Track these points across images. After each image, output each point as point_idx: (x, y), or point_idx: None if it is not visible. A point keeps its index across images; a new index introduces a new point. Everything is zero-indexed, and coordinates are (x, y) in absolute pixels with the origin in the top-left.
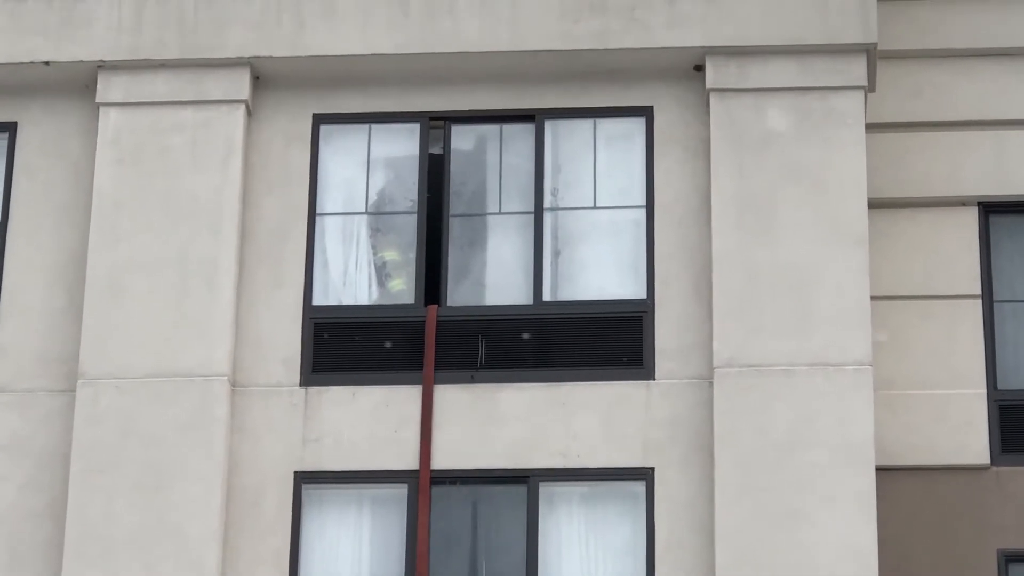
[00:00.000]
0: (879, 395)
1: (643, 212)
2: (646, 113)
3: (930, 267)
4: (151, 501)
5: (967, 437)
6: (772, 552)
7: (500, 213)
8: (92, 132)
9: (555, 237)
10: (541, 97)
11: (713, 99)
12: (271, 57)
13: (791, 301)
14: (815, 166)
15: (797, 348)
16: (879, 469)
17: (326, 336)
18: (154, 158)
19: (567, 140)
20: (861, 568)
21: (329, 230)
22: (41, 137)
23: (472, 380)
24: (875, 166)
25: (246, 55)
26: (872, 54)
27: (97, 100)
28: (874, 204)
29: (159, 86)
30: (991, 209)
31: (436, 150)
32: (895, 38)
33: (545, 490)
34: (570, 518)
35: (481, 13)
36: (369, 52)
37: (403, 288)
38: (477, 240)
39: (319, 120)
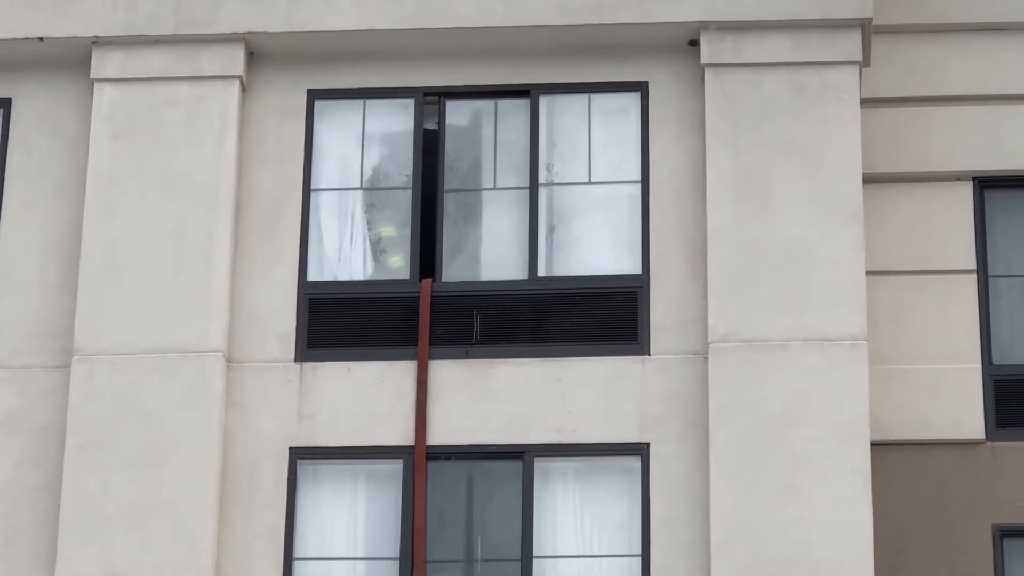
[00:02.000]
0: (874, 370)
1: (638, 187)
2: (641, 88)
3: (925, 242)
4: (146, 477)
5: (962, 412)
6: (767, 528)
7: (495, 188)
8: (87, 108)
9: (550, 212)
10: (536, 72)
11: (708, 74)
12: (266, 33)
13: (786, 276)
14: (810, 141)
15: (792, 323)
16: (874, 444)
17: (321, 311)
18: (149, 134)
19: (562, 115)
20: (856, 544)
21: (324, 205)
22: (36, 113)
23: (467, 355)
24: (870, 141)
25: (241, 31)
26: (867, 29)
27: (92, 76)
28: (869, 179)
29: (154, 62)
30: (986, 184)
31: (431, 125)
32: (890, 12)
33: (540, 465)
34: (565, 493)
35: None
36: (364, 27)
37: (401, 265)
38: (472, 215)
39: (314, 96)
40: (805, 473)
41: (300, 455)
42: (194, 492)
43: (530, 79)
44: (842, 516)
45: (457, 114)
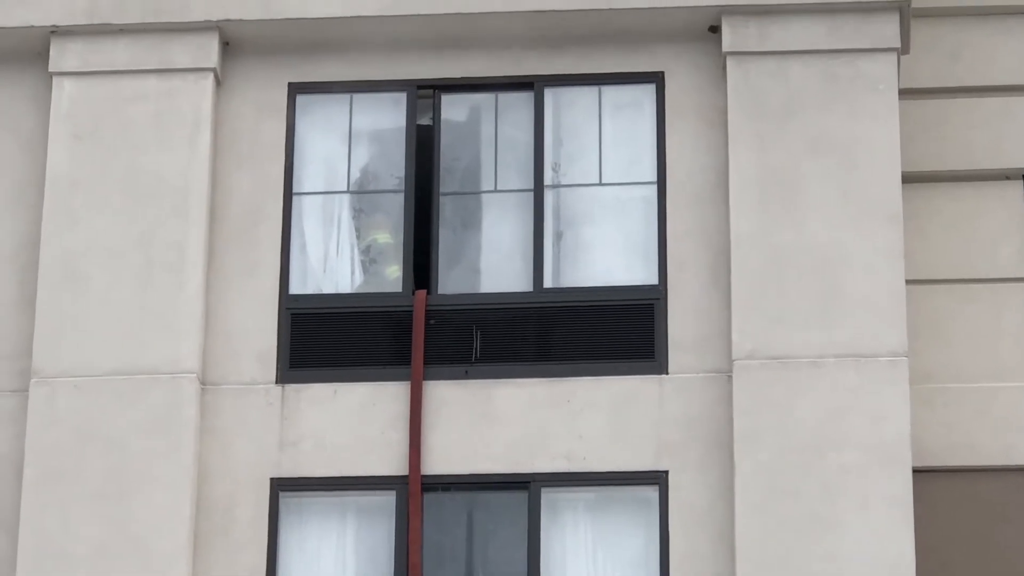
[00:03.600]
0: (916, 389)
1: (654, 189)
2: (656, 79)
3: (971, 247)
4: (113, 512)
5: (1014, 435)
6: (799, 563)
7: (496, 191)
8: (45, 104)
9: (557, 217)
10: (540, 63)
11: (730, 63)
12: (242, 20)
13: (818, 286)
14: (843, 137)
15: (825, 338)
16: (916, 471)
17: (304, 328)
18: (114, 132)
19: (569, 110)
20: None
21: (307, 211)
22: None
23: (466, 375)
24: (910, 136)
25: (214, 19)
26: (906, 12)
27: (50, 69)
28: (909, 178)
29: (119, 53)
30: None
31: (425, 121)
32: None
33: (548, 496)
34: (576, 527)
35: None
36: (351, 14)
37: (399, 275)
38: (471, 221)
39: (295, 90)
40: (840, 503)
41: (282, 487)
42: (165, 528)
43: (534, 70)
44: (881, 550)
45: (454, 109)
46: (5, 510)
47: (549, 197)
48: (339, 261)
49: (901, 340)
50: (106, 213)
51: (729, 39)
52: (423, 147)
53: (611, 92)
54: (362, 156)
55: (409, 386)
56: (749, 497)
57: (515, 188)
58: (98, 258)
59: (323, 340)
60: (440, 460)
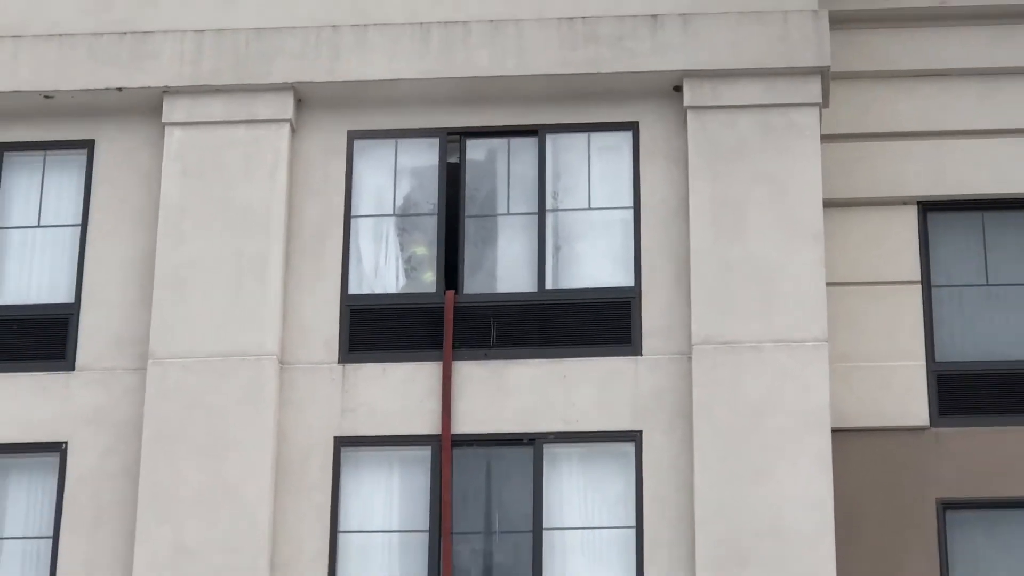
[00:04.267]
0: (834, 368)
1: (631, 212)
2: (633, 128)
3: (877, 257)
4: (212, 464)
5: (909, 402)
6: (743, 505)
7: (508, 214)
8: (159, 148)
9: (555, 234)
10: (543, 114)
11: (690, 115)
12: (311, 82)
13: (758, 288)
14: (778, 172)
15: (763, 328)
16: (834, 431)
17: (360, 320)
18: (212, 170)
19: (565, 151)
20: (819, 518)
21: (362, 230)
22: (116, 152)
23: (485, 357)
24: (829, 171)
25: (290, 80)
26: (826, 75)
27: (163, 120)
28: (828, 204)
29: (216, 108)
30: (929, 207)
31: (453, 160)
32: (846, 61)
33: (549, 451)
34: (570, 475)
35: (491, 43)
36: (395, 77)
37: (433, 279)
38: (489, 237)
39: (353, 136)
40: (775, 457)
41: (343, 443)
42: (252, 477)
43: (538, 120)
44: (807, 494)
45: (475, 151)
46: (129, 463)
47: (549, 219)
48: (387, 269)
49: (822, 329)
50: (206, 232)
51: (689, 96)
52: (452, 180)
53: (597, 137)
54: (404, 187)
55: (441, 365)
56: (704, 452)
57: (523, 212)
58: (200, 267)
59: (374, 330)
60: (465, 422)
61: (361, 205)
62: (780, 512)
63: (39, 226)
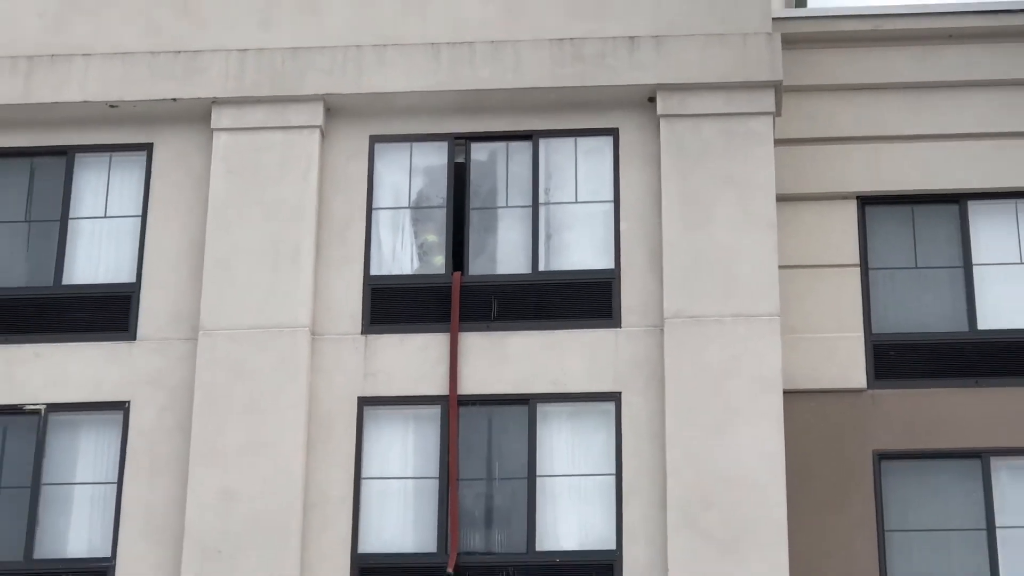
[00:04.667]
0: (785, 338)
1: (611, 206)
2: (613, 133)
3: (822, 244)
4: (253, 421)
5: (849, 368)
6: (707, 456)
7: (507, 207)
8: (208, 150)
9: (548, 224)
10: (536, 121)
11: (663, 123)
12: (338, 94)
13: (720, 270)
14: (737, 172)
15: (725, 304)
16: (785, 393)
17: (380, 297)
18: (253, 169)
19: (556, 153)
20: (772, 467)
21: (382, 220)
22: (171, 154)
23: (487, 329)
24: (781, 171)
25: (320, 92)
26: (779, 88)
27: (212, 127)
28: (780, 198)
29: (257, 116)
30: (866, 201)
31: (460, 160)
32: (796, 76)
33: (541, 409)
34: (560, 430)
35: (492, 61)
36: (410, 89)
37: (442, 262)
38: (490, 226)
39: (374, 140)
40: (734, 415)
41: (366, 403)
42: (288, 432)
43: (532, 127)
44: (762, 447)
45: (479, 152)
46: (183, 419)
47: (542, 211)
48: (403, 253)
49: (775, 305)
50: (248, 222)
51: (661, 106)
52: (458, 178)
53: (583, 141)
54: (418, 184)
55: (449, 336)
56: (674, 411)
57: (519, 205)
58: (243, 252)
59: (393, 305)
60: (470, 385)
61: (381, 199)
62: (739, 462)
63: (105, 217)
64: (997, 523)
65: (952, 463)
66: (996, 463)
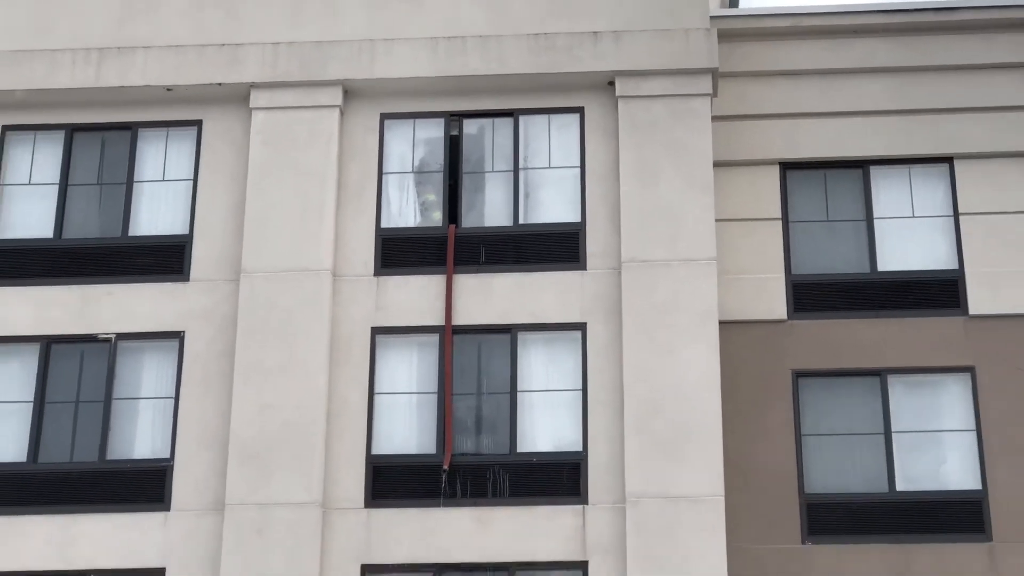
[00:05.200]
0: (720, 279)
1: (579, 170)
2: (580, 111)
3: (750, 201)
4: (286, 344)
5: (773, 302)
6: (657, 375)
7: (493, 171)
8: (247, 125)
9: (526, 185)
10: (517, 102)
11: (620, 103)
12: (355, 79)
13: (667, 223)
14: (681, 143)
15: (671, 251)
16: (721, 323)
17: (390, 245)
18: (285, 141)
19: (533, 127)
20: (709, 384)
21: (390, 183)
22: (218, 129)
23: (477, 271)
24: (717, 142)
25: (340, 78)
26: (715, 74)
27: (250, 106)
28: (717, 164)
29: (288, 97)
30: (787, 167)
31: (454, 133)
32: (730, 64)
33: (522, 337)
34: (537, 354)
35: (481, 52)
36: (414, 76)
37: (439, 217)
38: (479, 187)
39: (384, 117)
40: (679, 341)
41: (378, 332)
42: (313, 354)
43: (514, 105)
44: (700, 367)
45: (470, 127)
46: (228, 345)
47: (522, 175)
48: (407, 209)
49: (712, 252)
50: (281, 185)
51: (619, 89)
52: (453, 148)
53: (555, 118)
54: (420, 152)
55: (445, 277)
56: (630, 338)
57: (503, 170)
58: (277, 208)
59: (400, 252)
60: (462, 317)
61: (389, 165)
62: (683, 380)
63: (163, 180)
64: (892, 428)
65: (856, 380)
66: (892, 379)
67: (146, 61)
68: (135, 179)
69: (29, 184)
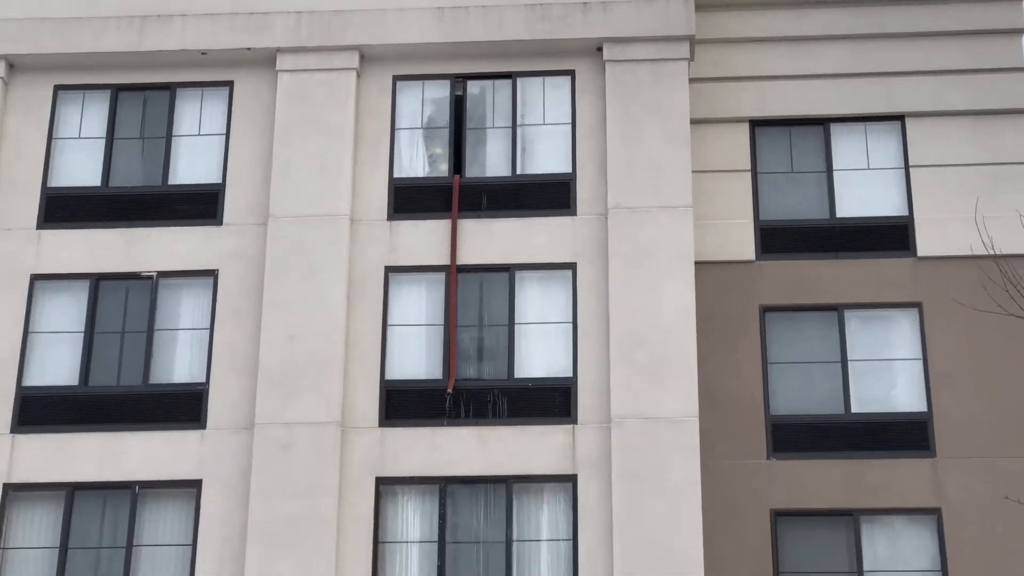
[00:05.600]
0: (696, 223)
1: (570, 127)
2: (571, 74)
3: (723, 155)
4: (308, 283)
5: (743, 245)
6: (639, 309)
7: (494, 127)
8: (274, 86)
9: (523, 139)
10: (516, 64)
11: (608, 67)
12: (370, 44)
13: (649, 174)
14: (662, 102)
15: (653, 198)
16: (696, 263)
17: (402, 194)
18: (308, 100)
19: (529, 88)
20: (685, 318)
21: (402, 137)
22: (247, 89)
23: (479, 216)
24: (694, 101)
25: (356, 44)
26: (692, 41)
27: (276, 69)
28: (694, 121)
29: (310, 60)
30: (756, 124)
31: (459, 93)
32: (705, 31)
33: (519, 274)
34: (532, 290)
35: (483, 20)
36: (423, 41)
37: (446, 168)
38: (481, 142)
39: (396, 78)
40: (659, 279)
41: (391, 270)
42: (334, 291)
43: (512, 68)
44: (678, 302)
45: (473, 88)
46: (257, 280)
47: (519, 131)
48: (417, 161)
49: (688, 199)
50: (304, 139)
51: (607, 54)
52: (458, 106)
53: (549, 80)
54: (428, 111)
55: (451, 221)
56: (616, 276)
57: (503, 126)
58: (301, 159)
59: (411, 199)
60: (466, 257)
61: (401, 122)
62: (662, 314)
63: (199, 135)
64: (848, 357)
65: (816, 314)
66: (848, 314)
67: (183, 28)
68: (173, 133)
69: (79, 138)
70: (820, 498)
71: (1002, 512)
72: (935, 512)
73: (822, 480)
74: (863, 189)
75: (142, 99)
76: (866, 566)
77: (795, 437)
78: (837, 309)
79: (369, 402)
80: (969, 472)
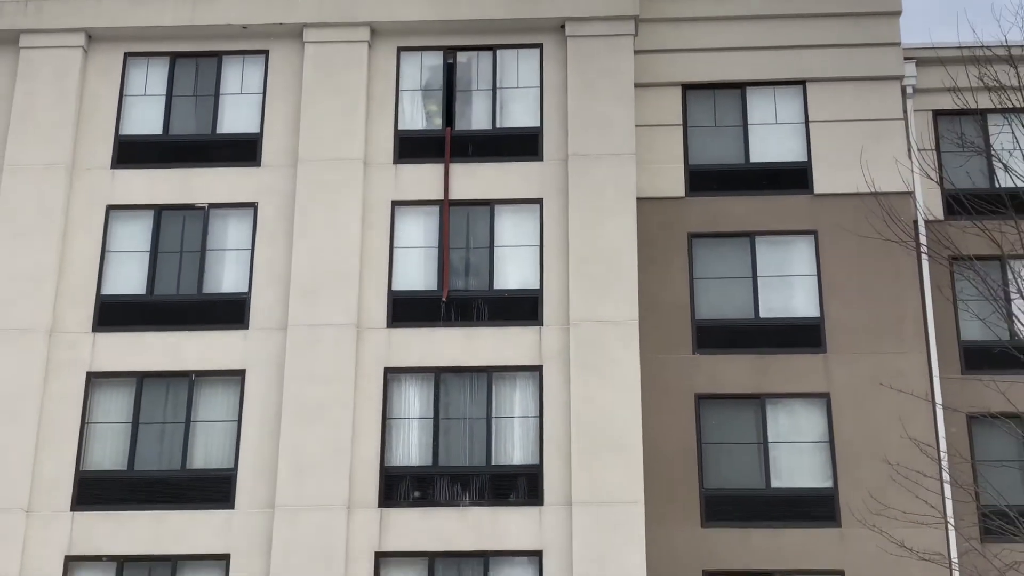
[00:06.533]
0: (638, 167)
1: (538, 90)
2: (540, 47)
3: (660, 112)
4: (329, 213)
5: (674, 184)
6: (592, 236)
7: (478, 90)
8: (301, 55)
9: (501, 99)
10: (495, 39)
11: (569, 41)
12: (379, 21)
13: (600, 127)
14: (610, 68)
15: (603, 146)
16: (638, 199)
17: (406, 144)
18: (328, 67)
19: (506, 58)
20: (628, 240)
21: (405, 97)
22: (280, 57)
23: (466, 161)
24: (637, 69)
25: (367, 20)
26: (637, 20)
27: (303, 40)
28: (638, 85)
29: (329, 34)
30: (687, 87)
31: (450, 62)
32: (647, 12)
33: (498, 208)
34: (507, 219)
35: (470, 4)
36: (422, 19)
37: (440, 121)
38: (469, 101)
39: (400, 50)
40: (608, 211)
41: (396, 204)
42: (348, 218)
43: (492, 42)
44: (622, 228)
45: (462, 58)
46: (289, 213)
47: (498, 93)
48: (417, 116)
49: (631, 148)
50: (326, 99)
51: (569, 31)
52: (449, 73)
53: (522, 52)
54: (426, 76)
55: (443, 165)
56: (575, 210)
57: (485, 88)
58: (323, 114)
59: (414, 148)
60: (457, 193)
61: (404, 84)
62: (610, 239)
63: (241, 93)
64: (758, 274)
65: (733, 239)
66: (758, 240)
67: (228, 7)
68: (220, 92)
69: (144, 95)
70: (734, 385)
71: (877, 396)
72: (825, 396)
73: (736, 371)
74: (772, 140)
75: (195, 64)
76: (770, 439)
77: (714, 336)
78: (749, 236)
79: (379, 308)
80: (852, 364)
